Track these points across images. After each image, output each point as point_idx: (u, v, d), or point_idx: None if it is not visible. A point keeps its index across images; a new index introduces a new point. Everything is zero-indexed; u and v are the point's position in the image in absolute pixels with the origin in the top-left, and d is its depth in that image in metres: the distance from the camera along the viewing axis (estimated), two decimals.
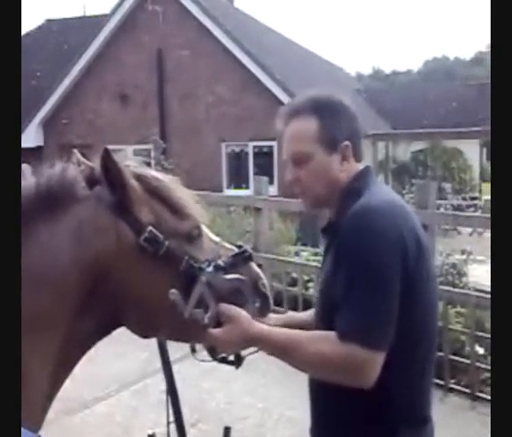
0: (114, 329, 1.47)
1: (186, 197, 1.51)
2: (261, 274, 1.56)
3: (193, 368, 4.75)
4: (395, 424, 1.46)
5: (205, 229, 1.53)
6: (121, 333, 1.50)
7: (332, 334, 1.39)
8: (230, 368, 1.55)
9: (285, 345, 1.44)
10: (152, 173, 1.51)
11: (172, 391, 1.65)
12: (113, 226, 1.40)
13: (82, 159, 1.51)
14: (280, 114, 1.62)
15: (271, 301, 1.56)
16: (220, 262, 1.46)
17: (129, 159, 1.49)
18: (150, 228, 1.40)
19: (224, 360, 1.54)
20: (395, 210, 1.47)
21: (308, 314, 1.77)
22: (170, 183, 1.51)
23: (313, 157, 1.54)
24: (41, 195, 1.37)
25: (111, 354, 4.37)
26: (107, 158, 1.39)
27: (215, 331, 1.42)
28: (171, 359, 1.85)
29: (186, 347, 1.59)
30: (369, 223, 1.41)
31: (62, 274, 1.34)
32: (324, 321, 1.49)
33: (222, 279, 1.44)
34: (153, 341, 1.65)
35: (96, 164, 1.45)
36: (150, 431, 1.89)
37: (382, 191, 1.54)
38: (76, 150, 1.53)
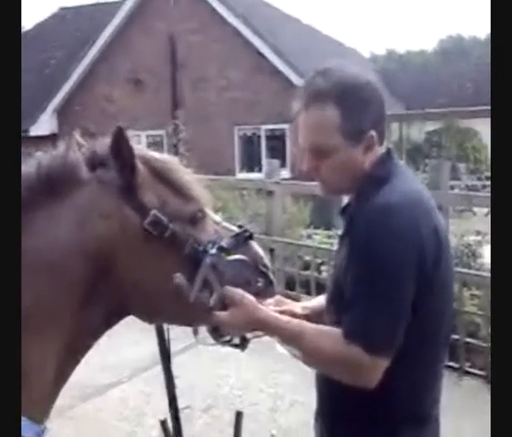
0: (121, 317, 1.46)
1: (190, 179, 1.48)
2: (262, 253, 1.54)
3: (206, 355, 4.79)
4: (399, 423, 1.43)
5: (207, 210, 1.51)
6: (134, 320, 1.50)
7: (337, 332, 1.37)
8: (243, 354, 1.54)
9: (290, 334, 1.42)
10: (155, 155, 1.48)
11: (168, 379, 1.64)
12: (117, 210, 1.37)
13: (82, 142, 1.48)
14: (299, 94, 1.48)
15: (273, 280, 1.54)
16: (223, 244, 1.44)
17: (131, 141, 1.44)
18: (155, 211, 1.38)
19: (229, 343, 1.53)
20: (416, 209, 1.38)
21: (309, 307, 1.69)
22: (174, 165, 1.48)
23: (336, 150, 1.42)
24: (42, 179, 1.33)
25: (124, 341, 4.39)
26: (121, 138, 1.35)
27: (220, 314, 1.40)
28: (183, 345, 1.84)
29: (200, 333, 1.58)
30: (387, 225, 1.34)
31: (65, 262, 1.32)
32: (336, 312, 1.46)
33: (226, 261, 1.43)
34: (166, 328, 1.65)
35: (98, 146, 1.42)
36: (162, 418, 1.90)
37: (404, 183, 1.44)
38: (75, 132, 1.48)
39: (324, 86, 1.42)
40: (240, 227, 1.54)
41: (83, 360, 1.43)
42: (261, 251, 1.54)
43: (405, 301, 1.34)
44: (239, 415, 1.97)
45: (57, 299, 1.30)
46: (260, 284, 1.50)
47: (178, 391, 1.78)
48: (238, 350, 1.54)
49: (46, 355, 1.29)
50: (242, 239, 1.50)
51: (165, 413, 1.89)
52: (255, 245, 1.54)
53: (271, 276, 1.54)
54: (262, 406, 4.12)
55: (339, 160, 1.44)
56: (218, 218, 1.53)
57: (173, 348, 1.68)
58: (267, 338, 1.50)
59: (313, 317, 1.58)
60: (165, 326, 1.66)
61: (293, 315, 1.58)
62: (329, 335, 1.38)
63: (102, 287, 1.36)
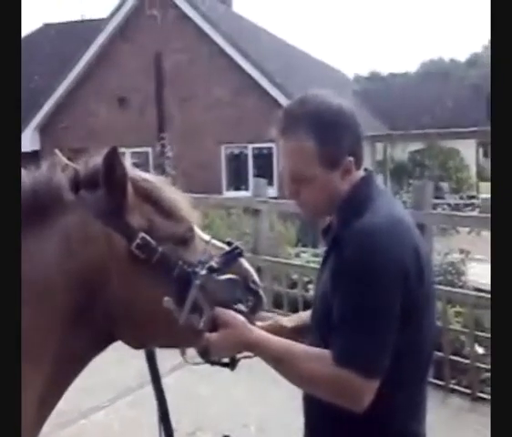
0: (110, 343, 1.42)
1: (177, 198, 1.45)
2: (252, 271, 1.52)
3: (191, 375, 4.67)
4: None
5: (196, 229, 1.48)
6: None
7: (327, 354, 1.36)
8: (229, 373, 1.52)
9: (280, 356, 1.40)
10: (142, 175, 1.44)
11: (162, 406, 1.61)
12: (103, 234, 1.32)
13: (65, 161, 1.44)
14: (275, 122, 1.50)
15: (263, 298, 1.53)
16: (213, 263, 1.42)
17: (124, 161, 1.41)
18: (143, 234, 1.34)
19: (218, 363, 1.50)
20: (398, 228, 1.41)
21: (295, 320, 1.71)
22: (160, 184, 1.45)
23: (314, 177, 1.46)
24: (27, 203, 1.28)
25: (108, 361, 4.31)
26: (116, 159, 1.31)
27: (211, 336, 1.38)
28: (168, 367, 1.76)
29: (185, 354, 1.56)
30: (372, 247, 1.36)
31: (51, 289, 1.27)
32: (320, 331, 1.47)
33: (216, 281, 1.41)
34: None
35: (81, 166, 1.38)
36: None
37: (384, 204, 1.47)
38: (58, 151, 1.45)
39: (300, 116, 1.46)
40: (229, 244, 1.53)
41: None
42: (250, 268, 1.53)
43: (393, 321, 1.36)
44: None
45: (42, 327, 1.26)
46: (250, 303, 1.49)
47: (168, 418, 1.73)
48: (224, 371, 1.52)
49: (28, 384, 1.22)
50: (232, 257, 1.49)
51: None
52: (245, 262, 1.52)
53: (262, 293, 1.53)
54: (251, 427, 4.06)
55: (318, 186, 1.47)
56: (207, 236, 1.51)
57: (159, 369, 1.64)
58: (254, 359, 1.47)
59: (295, 333, 1.60)
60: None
61: (282, 327, 1.61)
62: (320, 357, 1.38)
63: (89, 312, 1.32)
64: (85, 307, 1.31)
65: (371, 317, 1.34)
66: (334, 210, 1.52)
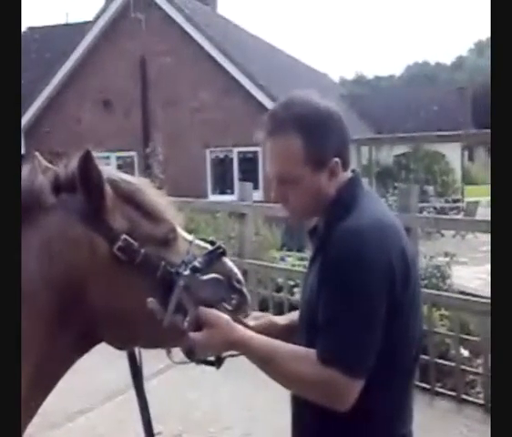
0: (93, 345, 1.42)
1: (159, 199, 1.45)
2: (236, 269, 1.52)
3: (177, 378, 4.71)
4: None
5: (179, 229, 1.48)
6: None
7: (312, 354, 1.37)
8: (216, 376, 1.52)
9: (265, 355, 1.41)
10: (122, 176, 1.44)
11: (144, 409, 1.60)
12: (85, 237, 1.32)
13: (45, 163, 1.43)
14: (262, 125, 1.51)
15: (247, 296, 1.54)
16: (196, 263, 1.42)
17: (99, 163, 1.40)
18: (125, 236, 1.34)
19: (203, 361, 1.51)
20: (384, 231, 1.41)
21: (288, 318, 1.73)
22: (142, 186, 1.44)
23: (300, 179, 1.46)
24: None
25: (95, 364, 4.28)
26: (89, 162, 1.30)
27: (195, 336, 1.38)
28: (155, 370, 1.80)
29: (168, 358, 1.55)
30: (357, 251, 1.36)
31: (32, 293, 1.26)
32: (307, 333, 1.47)
33: (199, 281, 1.41)
34: (139, 350, 1.62)
35: (61, 168, 1.37)
36: None
37: (370, 207, 1.47)
38: (39, 154, 1.44)
39: (287, 117, 1.46)
40: (212, 243, 1.53)
41: None
42: (234, 267, 1.53)
43: (378, 322, 1.36)
44: None
45: (25, 330, 1.24)
46: (234, 301, 1.49)
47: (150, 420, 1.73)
48: (210, 374, 1.52)
49: None
50: (215, 257, 1.49)
51: None
52: (228, 261, 1.53)
53: (246, 291, 1.53)
54: (236, 430, 4.05)
55: (304, 187, 1.47)
56: (190, 236, 1.51)
57: (144, 372, 1.64)
58: (240, 360, 1.48)
59: (287, 332, 1.60)
60: (136, 349, 1.62)
61: (274, 326, 1.62)
62: (306, 358, 1.38)
63: (72, 315, 1.31)
64: (67, 310, 1.30)
65: (356, 317, 1.35)
66: (321, 212, 1.52)
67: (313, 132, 1.45)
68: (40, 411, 1.39)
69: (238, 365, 1.53)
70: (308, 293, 1.51)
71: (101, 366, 4.62)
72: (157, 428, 1.65)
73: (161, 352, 1.54)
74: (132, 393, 1.57)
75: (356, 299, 1.35)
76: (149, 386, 1.63)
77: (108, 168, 1.43)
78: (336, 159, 1.47)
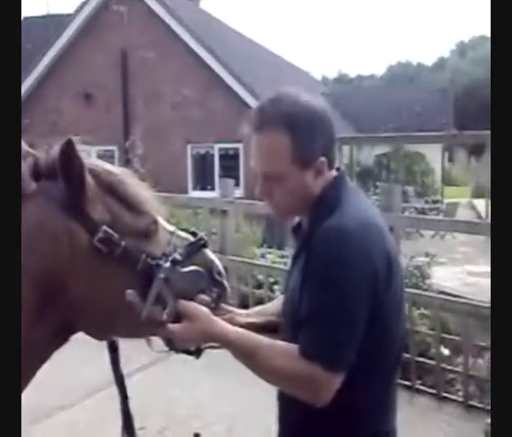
0: (71, 335, 1.40)
1: (141, 191, 1.43)
2: (217, 261, 1.52)
3: (160, 374, 4.69)
4: None
5: (160, 221, 1.47)
6: (87, 336, 1.44)
7: (294, 349, 1.38)
8: (198, 372, 1.51)
9: (245, 350, 1.41)
10: (104, 166, 1.41)
11: (124, 399, 1.59)
12: (65, 227, 1.30)
13: (25, 147, 1.40)
14: (249, 118, 1.49)
15: (227, 288, 1.53)
16: (177, 255, 1.41)
17: (81, 154, 1.37)
18: (105, 227, 1.32)
19: (183, 351, 1.51)
20: (369, 232, 1.41)
21: (275, 305, 1.74)
22: (125, 177, 1.42)
23: (286, 176, 1.45)
24: None
25: (76, 359, 4.23)
26: (71, 151, 1.28)
27: (173, 327, 1.37)
28: (137, 365, 1.78)
29: (152, 354, 1.54)
30: (340, 250, 1.36)
31: None
32: (291, 329, 1.47)
33: (179, 273, 1.40)
34: (122, 345, 1.60)
35: (41, 153, 1.35)
36: None
37: (356, 205, 1.47)
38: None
39: (275, 113, 1.44)
40: (194, 234, 1.52)
41: None
42: (215, 259, 1.52)
43: (359, 322, 1.37)
44: None
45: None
46: (214, 294, 1.48)
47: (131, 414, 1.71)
48: (193, 370, 1.51)
49: None
50: (196, 248, 1.48)
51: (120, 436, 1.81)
52: (209, 252, 1.52)
53: (226, 283, 1.53)
54: (219, 426, 4.02)
55: (290, 185, 1.46)
56: (171, 227, 1.50)
57: (125, 369, 1.62)
58: (222, 356, 1.47)
59: (252, 329, 1.59)
60: (120, 343, 1.60)
61: (236, 324, 1.59)
62: (285, 351, 1.39)
63: (52, 306, 1.29)
64: (47, 301, 1.28)
65: (337, 314, 1.35)
66: (305, 211, 1.51)
67: (301, 130, 1.43)
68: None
69: (220, 361, 1.52)
70: (291, 289, 1.51)
71: (82, 361, 4.60)
72: (139, 423, 1.64)
73: (144, 348, 1.53)
74: (113, 390, 1.55)
75: (337, 296, 1.35)
76: (132, 382, 1.62)
77: (91, 159, 1.41)
78: (323, 159, 1.47)
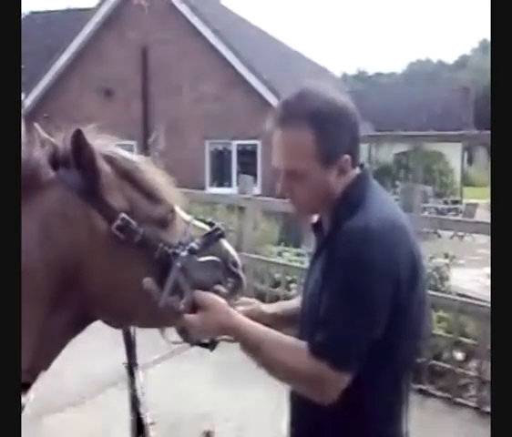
0: (89, 323, 1.41)
1: (159, 179, 1.43)
2: (233, 252, 1.52)
3: (172, 369, 4.70)
4: None
5: (178, 210, 1.47)
6: (99, 328, 1.45)
7: (303, 345, 1.37)
8: (211, 371, 1.51)
9: (258, 344, 1.40)
10: (122, 153, 1.42)
11: (134, 394, 1.61)
12: (83, 215, 1.30)
13: (44, 135, 1.40)
14: (274, 113, 1.45)
15: (243, 280, 1.53)
16: (194, 245, 1.41)
17: (97, 137, 1.39)
18: (123, 215, 1.32)
19: (197, 343, 1.51)
20: (392, 233, 1.38)
21: (276, 307, 1.75)
22: (143, 165, 1.43)
23: (309, 174, 1.42)
24: None
25: (91, 352, 4.26)
26: (80, 140, 1.29)
27: (190, 318, 1.37)
28: (150, 359, 1.78)
29: (165, 348, 1.55)
30: (362, 251, 1.34)
31: (31, 274, 1.24)
32: (310, 327, 1.44)
33: (196, 263, 1.41)
34: (136, 338, 1.61)
35: (59, 142, 1.35)
36: None
37: (379, 206, 1.43)
38: (36, 124, 1.41)
39: (300, 108, 1.41)
40: (210, 224, 1.52)
41: None
42: (231, 249, 1.52)
43: (376, 326, 1.35)
44: (208, 435, 1.93)
45: (24, 312, 1.22)
46: (230, 284, 1.49)
47: (141, 408, 1.72)
48: (205, 366, 1.51)
49: None
50: (213, 238, 1.48)
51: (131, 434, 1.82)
52: (225, 243, 1.52)
53: (242, 275, 1.53)
54: (230, 424, 4.03)
55: (312, 183, 1.44)
56: (188, 217, 1.50)
57: (139, 362, 1.63)
58: (235, 354, 1.47)
59: (274, 320, 1.63)
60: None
61: (261, 313, 1.63)
62: (295, 347, 1.39)
63: (69, 294, 1.30)
64: (65, 288, 1.29)
65: (353, 317, 1.34)
66: (327, 209, 1.49)
67: (326, 127, 1.40)
68: (35, 396, 1.37)
69: (232, 360, 1.51)
70: (311, 288, 1.50)
71: (96, 354, 4.63)
72: (150, 419, 1.64)
73: (158, 343, 1.52)
74: (125, 385, 1.56)
75: (357, 299, 1.33)
76: (144, 376, 1.62)
77: (110, 146, 1.41)
78: (346, 157, 1.44)
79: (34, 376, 1.32)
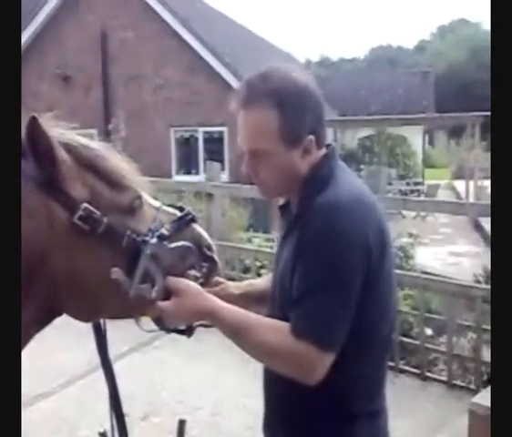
0: (54, 318, 1.37)
1: (123, 165, 1.39)
2: (206, 235, 1.48)
3: (143, 359, 4.65)
4: (353, 420, 1.44)
5: (145, 196, 1.43)
6: (68, 323, 1.40)
7: (285, 327, 1.35)
8: (182, 358, 1.48)
9: (237, 327, 1.38)
10: (82, 141, 1.37)
11: (113, 388, 1.56)
12: (42, 206, 1.26)
13: None
14: (236, 94, 1.45)
15: (218, 263, 1.50)
16: (164, 231, 1.38)
17: (56, 125, 1.34)
18: (85, 204, 1.28)
19: (173, 330, 1.48)
20: (362, 207, 1.39)
21: (266, 279, 1.73)
22: (105, 152, 1.38)
23: (273, 154, 1.41)
24: None
25: (57, 346, 4.20)
26: (36, 128, 1.24)
27: (163, 305, 1.35)
28: (120, 351, 1.74)
29: (135, 339, 1.51)
30: (335, 223, 1.34)
31: None
32: (281, 309, 1.44)
33: (167, 249, 1.37)
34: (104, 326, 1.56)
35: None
36: (101, 429, 1.77)
37: (348, 181, 1.44)
38: None
39: (264, 89, 1.40)
40: (181, 209, 1.48)
41: None
42: (204, 233, 1.49)
43: (352, 299, 1.35)
44: (182, 423, 1.89)
45: None
46: (205, 269, 1.45)
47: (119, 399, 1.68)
48: (176, 356, 1.47)
49: None
50: (184, 223, 1.45)
51: (102, 425, 1.77)
52: (198, 227, 1.48)
53: (216, 258, 1.50)
54: (203, 411, 4.01)
55: (277, 163, 1.43)
56: (157, 203, 1.46)
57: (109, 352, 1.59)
58: (206, 342, 1.43)
59: (245, 300, 1.63)
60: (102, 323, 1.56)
61: (229, 295, 1.60)
62: (279, 330, 1.36)
63: (32, 289, 1.26)
64: (27, 282, 1.24)
65: (331, 291, 1.33)
66: (293, 190, 1.48)
67: (290, 108, 1.40)
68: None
69: (204, 348, 1.48)
70: (281, 269, 1.48)
71: (63, 348, 4.56)
72: (124, 410, 1.60)
73: (127, 334, 1.48)
74: (94, 377, 1.51)
75: (332, 272, 1.33)
76: (115, 368, 1.58)
77: (69, 134, 1.36)
78: (311, 137, 1.43)
79: None
